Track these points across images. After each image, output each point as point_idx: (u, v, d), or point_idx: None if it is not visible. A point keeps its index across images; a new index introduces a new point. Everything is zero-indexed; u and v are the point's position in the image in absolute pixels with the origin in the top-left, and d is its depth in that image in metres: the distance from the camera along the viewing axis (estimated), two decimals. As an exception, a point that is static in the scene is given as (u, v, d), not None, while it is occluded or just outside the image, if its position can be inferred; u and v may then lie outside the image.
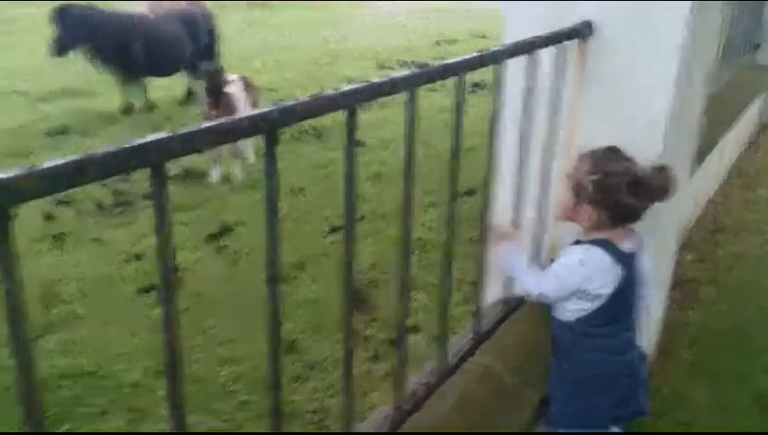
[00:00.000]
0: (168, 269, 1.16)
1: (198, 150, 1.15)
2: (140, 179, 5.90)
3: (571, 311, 2.18)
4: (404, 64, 11.03)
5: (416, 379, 2.15)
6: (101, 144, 1.05)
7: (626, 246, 2.12)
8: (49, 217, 5.47)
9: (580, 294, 2.12)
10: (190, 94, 8.97)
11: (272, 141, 1.30)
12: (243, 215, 5.61)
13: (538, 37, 2.20)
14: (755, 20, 7.08)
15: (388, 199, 5.77)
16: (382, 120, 8.02)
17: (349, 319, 1.63)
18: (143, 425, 3.28)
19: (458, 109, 1.86)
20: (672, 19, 2.34)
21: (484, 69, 1.99)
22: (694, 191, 4.59)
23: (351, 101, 1.45)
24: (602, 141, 2.17)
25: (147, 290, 4.40)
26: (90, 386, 3.54)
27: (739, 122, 5.89)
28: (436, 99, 8.41)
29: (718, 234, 4.97)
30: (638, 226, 2.23)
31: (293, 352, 3.75)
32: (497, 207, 2.42)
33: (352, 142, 1.49)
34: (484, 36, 13.63)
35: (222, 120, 1.19)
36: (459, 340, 2.39)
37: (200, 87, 6.47)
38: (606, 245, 2.10)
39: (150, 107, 8.62)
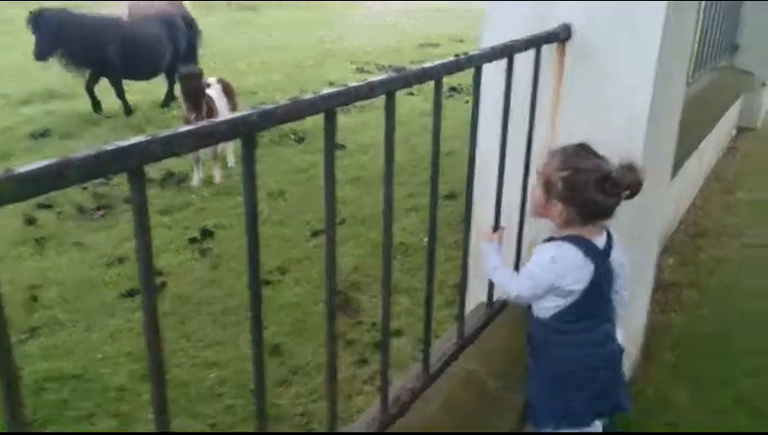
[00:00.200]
0: (149, 272, 1.16)
1: (178, 154, 1.15)
2: (121, 183, 5.88)
3: (546, 308, 2.19)
4: (382, 69, 11.06)
5: (400, 383, 2.15)
6: (83, 146, 1.05)
7: (597, 241, 2.14)
8: (30, 221, 5.43)
9: (554, 290, 2.13)
10: (172, 97, 8.92)
11: (250, 145, 1.30)
12: (224, 218, 5.61)
13: (517, 41, 2.21)
14: (733, 22, 7.12)
15: (368, 203, 5.79)
16: (361, 125, 8.04)
17: (332, 324, 1.63)
18: (130, 429, 3.28)
19: (437, 112, 1.87)
20: (650, 19, 2.35)
21: (461, 72, 2.00)
22: (674, 195, 4.63)
23: (330, 105, 1.46)
24: (582, 143, 2.18)
25: (129, 294, 4.38)
26: (76, 389, 3.53)
27: (718, 126, 5.94)
28: (415, 103, 8.46)
29: (699, 238, 5.02)
30: (620, 230, 2.25)
31: (277, 355, 3.74)
32: (478, 210, 2.42)
33: (332, 145, 1.49)
34: (461, 41, 13.69)
35: (201, 123, 1.19)
36: (443, 344, 2.39)
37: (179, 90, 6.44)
38: (578, 241, 2.11)
39: (130, 110, 8.58)
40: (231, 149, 6.85)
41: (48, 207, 5.65)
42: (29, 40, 8.23)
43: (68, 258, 4.95)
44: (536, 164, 2.38)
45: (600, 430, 2.35)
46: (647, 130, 2.47)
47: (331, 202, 1.53)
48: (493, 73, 2.17)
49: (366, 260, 4.79)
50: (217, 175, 6.45)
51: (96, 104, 8.60)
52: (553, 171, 2.09)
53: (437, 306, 3.89)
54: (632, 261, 2.34)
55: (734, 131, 7.45)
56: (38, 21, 7.95)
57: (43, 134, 7.67)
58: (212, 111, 6.16)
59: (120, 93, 8.56)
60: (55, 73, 9.20)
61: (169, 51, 8.71)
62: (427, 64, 1.79)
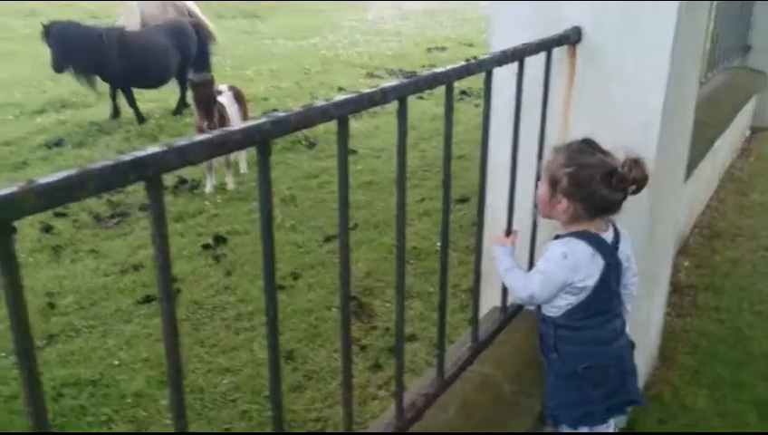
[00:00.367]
0: (167, 280, 1.17)
1: (194, 163, 1.17)
2: (136, 190, 5.92)
3: (558, 307, 2.18)
4: (392, 73, 11.07)
5: (415, 388, 2.16)
6: (98, 156, 1.06)
7: (605, 236, 2.14)
8: (46, 229, 5.48)
9: (567, 288, 2.12)
10: (184, 105, 8.97)
11: (264, 152, 1.31)
12: (237, 224, 5.64)
13: (527, 44, 2.21)
14: (745, 22, 7.08)
15: (381, 208, 5.80)
16: (373, 129, 8.07)
17: (347, 328, 1.64)
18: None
19: (448, 117, 1.88)
20: (662, 19, 2.34)
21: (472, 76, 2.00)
22: (689, 197, 4.61)
23: (343, 111, 1.47)
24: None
25: (145, 300, 4.42)
26: (93, 395, 3.56)
27: (731, 127, 5.91)
28: (425, 106, 8.47)
29: (714, 239, 4.99)
30: (635, 232, 2.24)
31: (291, 360, 3.76)
32: (491, 214, 2.43)
33: (345, 151, 1.50)
34: (470, 44, 13.69)
35: (216, 132, 1.20)
36: (457, 349, 2.39)
37: (191, 97, 6.48)
38: (586, 236, 2.11)
39: (142, 118, 8.63)
40: (243, 156, 6.88)
41: (64, 215, 5.69)
42: (36, 49, 8.30)
43: (84, 266, 4.99)
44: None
45: (611, 428, 2.34)
46: (660, 131, 2.46)
47: (344, 208, 1.53)
48: (503, 76, 2.18)
49: (379, 265, 4.79)
50: (230, 181, 6.48)
51: (116, 112, 8.70)
52: (558, 168, 2.09)
53: (451, 311, 3.91)
54: (647, 264, 2.33)
55: (747, 132, 7.41)
56: (48, 33, 8.07)
57: (57, 144, 7.72)
58: (224, 119, 6.19)
59: (131, 102, 8.62)
60: (66, 83, 9.31)
61: (177, 59, 8.74)
62: (438, 69, 1.79)
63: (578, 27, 2.46)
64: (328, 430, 3.28)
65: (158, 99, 9.28)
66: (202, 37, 9.14)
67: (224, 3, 16.68)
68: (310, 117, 1.38)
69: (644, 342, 3.07)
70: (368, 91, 1.53)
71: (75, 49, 8.11)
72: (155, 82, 8.81)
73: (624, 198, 2.08)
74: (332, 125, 1.47)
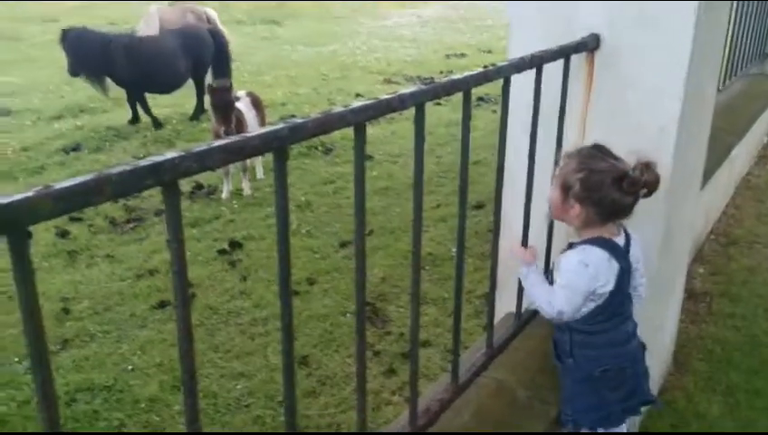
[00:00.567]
0: (183, 286, 1.17)
1: (211, 168, 1.17)
2: (151, 195, 5.95)
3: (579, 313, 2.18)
4: (410, 79, 11.07)
5: (429, 394, 2.15)
6: (115, 161, 1.07)
7: (618, 240, 2.14)
8: (62, 234, 5.51)
9: (590, 296, 2.11)
10: (201, 110, 9.01)
11: (282, 158, 1.31)
12: (253, 229, 5.65)
13: (546, 51, 2.20)
14: (764, 29, 7.03)
15: (397, 214, 5.80)
16: (390, 135, 8.07)
17: (362, 334, 1.64)
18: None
19: (465, 124, 1.87)
20: (680, 23, 2.32)
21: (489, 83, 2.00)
22: (705, 205, 4.58)
23: (360, 118, 1.47)
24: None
25: (160, 306, 4.43)
26: (107, 400, 3.58)
27: (749, 134, 5.86)
28: (442, 112, 8.46)
29: (731, 247, 4.95)
30: (650, 240, 2.23)
31: (305, 365, 3.76)
32: (507, 220, 2.42)
33: (362, 158, 1.50)
34: (489, 51, 13.68)
35: (233, 137, 1.20)
36: (472, 354, 2.38)
37: (208, 103, 6.50)
38: (600, 242, 2.11)
39: (158, 123, 8.68)
40: (260, 161, 6.90)
41: (79, 220, 5.73)
42: (54, 55, 8.40)
43: (99, 270, 5.02)
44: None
45: (625, 428, 2.34)
46: (677, 138, 2.44)
47: (360, 214, 1.53)
48: (521, 83, 2.17)
49: (394, 271, 4.79)
50: (246, 187, 6.50)
51: (135, 117, 8.76)
52: (570, 173, 2.09)
53: (466, 317, 3.90)
54: (662, 271, 2.32)
55: (765, 139, 7.35)
56: (65, 39, 8.23)
57: (75, 149, 7.78)
58: (241, 124, 6.21)
59: (145, 108, 8.67)
60: (83, 88, 9.38)
61: (188, 65, 8.77)
62: (456, 76, 1.79)
63: (596, 34, 2.45)
64: (342, 436, 3.29)
65: (175, 104, 9.33)
66: (219, 44, 9.16)
67: (244, 8, 16.79)
68: (327, 123, 1.38)
69: (658, 348, 3.05)
70: (385, 97, 1.53)
71: (86, 54, 8.25)
72: (165, 87, 8.84)
73: (635, 201, 2.08)
74: (349, 131, 1.47)
